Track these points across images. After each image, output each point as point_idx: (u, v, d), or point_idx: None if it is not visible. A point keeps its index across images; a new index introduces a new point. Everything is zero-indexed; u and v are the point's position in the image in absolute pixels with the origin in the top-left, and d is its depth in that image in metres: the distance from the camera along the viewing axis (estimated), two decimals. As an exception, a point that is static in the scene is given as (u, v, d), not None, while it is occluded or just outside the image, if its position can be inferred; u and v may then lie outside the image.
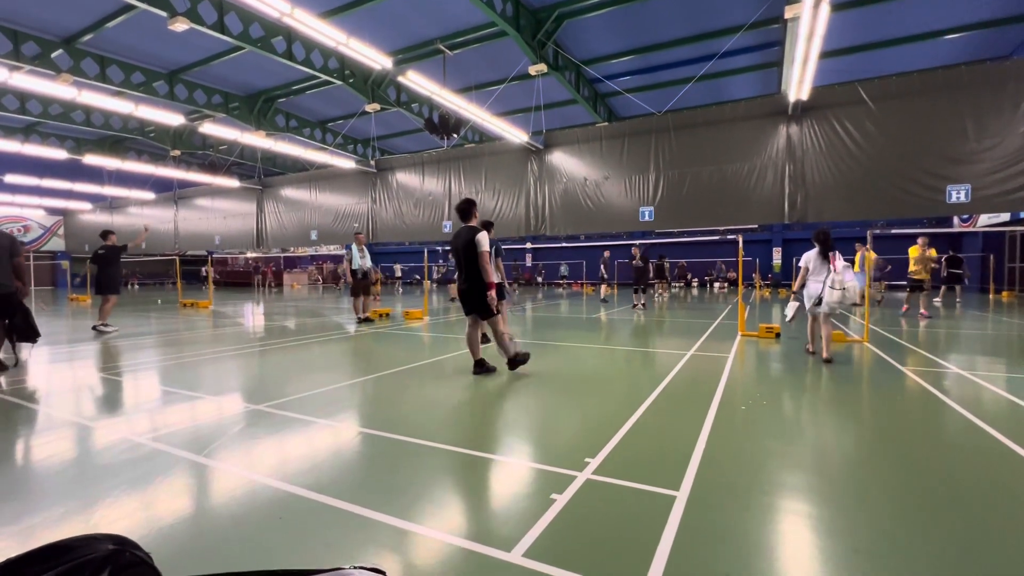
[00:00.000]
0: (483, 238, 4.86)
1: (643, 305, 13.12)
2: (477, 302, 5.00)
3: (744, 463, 2.78)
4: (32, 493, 2.44)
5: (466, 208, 5.12)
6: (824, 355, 5.74)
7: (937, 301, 14.60)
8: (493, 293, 4.94)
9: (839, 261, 5.81)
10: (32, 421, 3.63)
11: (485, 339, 7.13)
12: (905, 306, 11.17)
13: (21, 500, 2.36)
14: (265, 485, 2.49)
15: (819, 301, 5.84)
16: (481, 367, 5.14)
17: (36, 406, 4.02)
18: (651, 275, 13.89)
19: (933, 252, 10.70)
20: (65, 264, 25.55)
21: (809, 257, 6.10)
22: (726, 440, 3.13)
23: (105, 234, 9.24)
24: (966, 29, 12.46)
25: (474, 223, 5.14)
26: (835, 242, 6.02)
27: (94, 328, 8.46)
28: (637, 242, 13.82)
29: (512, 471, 2.69)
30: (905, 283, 11.50)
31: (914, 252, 10.77)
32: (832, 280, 5.69)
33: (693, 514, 2.18)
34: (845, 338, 7.41)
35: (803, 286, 6.14)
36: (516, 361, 5.13)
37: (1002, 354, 6.36)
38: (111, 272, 8.85)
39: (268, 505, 2.29)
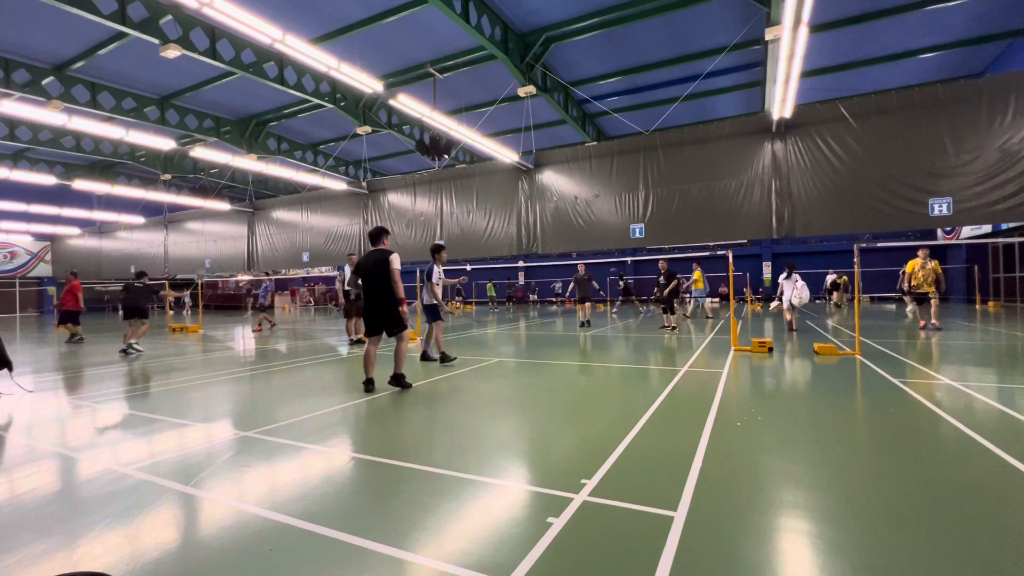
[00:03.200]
0: (396, 259, 5.20)
1: (673, 327, 11.32)
2: (388, 319, 5.24)
3: (741, 481, 2.76)
4: (11, 529, 2.36)
5: (377, 234, 5.48)
6: (792, 327, 10.78)
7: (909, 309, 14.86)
8: (405, 308, 5.31)
9: (799, 281, 10.45)
10: (13, 452, 3.53)
11: (446, 357, 7.17)
12: (922, 321, 10.67)
13: (0, 536, 2.28)
14: (254, 515, 2.43)
15: (791, 304, 10.47)
16: (394, 377, 5.32)
17: (17, 436, 3.91)
18: (670, 292, 11.39)
19: (936, 264, 10.53)
20: (51, 290, 25.22)
21: (782, 279, 10.79)
22: (723, 457, 3.11)
23: (139, 275, 10.09)
24: (940, 48, 12.90)
25: (384, 247, 5.43)
26: (826, 256, 6.42)
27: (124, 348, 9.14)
28: (663, 257, 12.81)
29: (508, 495, 2.65)
30: (904, 295, 11.21)
31: (915, 264, 10.59)
32: (795, 292, 10.39)
33: (692, 535, 2.16)
34: (837, 351, 7.45)
35: (782, 294, 10.75)
36: (399, 380, 5.30)
37: (991, 364, 6.42)
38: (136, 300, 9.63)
39: (257, 536, 2.23)
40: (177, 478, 2.92)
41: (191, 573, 1.96)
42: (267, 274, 16.04)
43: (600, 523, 2.29)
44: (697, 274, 13.99)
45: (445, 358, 7.15)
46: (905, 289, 10.93)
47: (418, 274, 7.48)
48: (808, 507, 2.43)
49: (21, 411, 4.79)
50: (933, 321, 10.50)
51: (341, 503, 2.58)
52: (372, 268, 5.22)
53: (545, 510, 2.41)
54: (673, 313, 11.45)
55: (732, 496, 2.56)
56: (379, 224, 13.23)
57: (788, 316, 10.77)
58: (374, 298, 5.24)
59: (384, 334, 5.38)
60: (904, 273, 10.91)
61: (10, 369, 5.48)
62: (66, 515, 2.50)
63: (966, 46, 12.72)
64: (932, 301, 10.59)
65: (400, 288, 5.20)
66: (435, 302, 7.22)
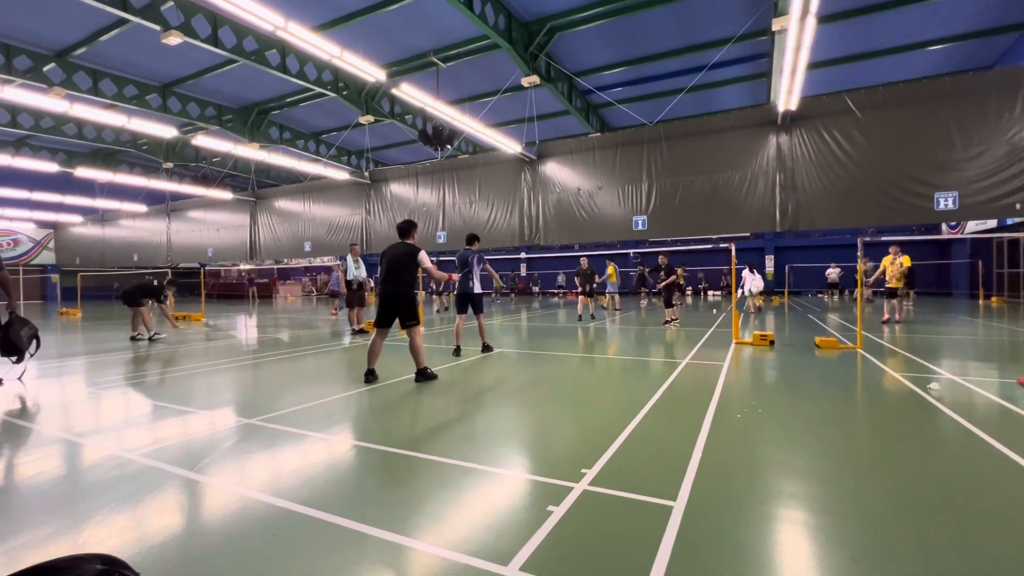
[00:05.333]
0: (425, 255, 5.28)
1: (674, 319, 11.13)
2: (402, 309, 5.23)
3: (741, 471, 2.78)
4: (19, 512, 2.39)
5: (407, 228, 5.45)
6: (752, 311, 14.46)
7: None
8: (455, 276, 5.45)
9: (756, 274, 14.22)
10: (20, 437, 3.57)
11: (487, 348, 7.38)
12: (886, 315, 11.14)
13: (7, 519, 2.31)
14: (258, 501, 2.45)
15: (750, 291, 13.81)
16: (420, 372, 5.28)
17: (24, 422, 3.95)
18: (665, 285, 11.32)
19: (907, 260, 10.84)
20: (55, 277, 25.29)
21: (744, 272, 14.40)
22: (722, 448, 3.13)
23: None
24: (949, 40, 12.74)
25: (412, 241, 5.43)
26: (827, 249, 6.52)
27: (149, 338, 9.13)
28: (661, 250, 13.45)
29: (509, 483, 2.67)
30: (883, 291, 11.81)
31: (887, 261, 11.03)
32: (752, 282, 14.06)
33: (690, 524, 2.17)
34: (838, 345, 7.45)
35: (743, 285, 14.46)
36: (425, 374, 5.27)
37: (993, 359, 6.41)
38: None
39: (261, 521, 2.25)
40: (181, 464, 2.95)
41: (196, 557, 1.98)
42: (337, 263, 16.42)
43: (600, 512, 2.31)
44: (611, 269, 14.65)
45: (487, 348, 7.40)
46: (874, 283, 11.86)
47: (456, 261, 7.41)
48: (807, 498, 2.45)
49: (27, 396, 4.82)
50: (889, 315, 10.96)
51: (343, 490, 2.60)
52: (397, 260, 5.21)
53: (545, 498, 2.43)
54: (670, 307, 11.24)
55: (731, 487, 2.57)
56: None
57: (752, 303, 14.66)
58: (392, 290, 5.20)
59: (391, 328, 5.37)
60: (879, 268, 11.40)
61: (20, 358, 5.46)
62: (71, 499, 2.53)
63: (976, 38, 12.56)
64: (899, 296, 11.05)
65: (440, 276, 5.35)
66: (480, 291, 7.32)
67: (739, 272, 14.05)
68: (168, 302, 9.71)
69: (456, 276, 5.52)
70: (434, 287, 17.91)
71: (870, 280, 12.15)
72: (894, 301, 11.15)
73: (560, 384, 5.23)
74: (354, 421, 3.95)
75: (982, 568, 1.84)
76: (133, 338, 9.14)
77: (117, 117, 11.49)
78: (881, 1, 10.91)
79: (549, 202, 11.39)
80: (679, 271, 17.24)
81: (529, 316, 15.01)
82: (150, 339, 9.05)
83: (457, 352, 7.15)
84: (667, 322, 11.10)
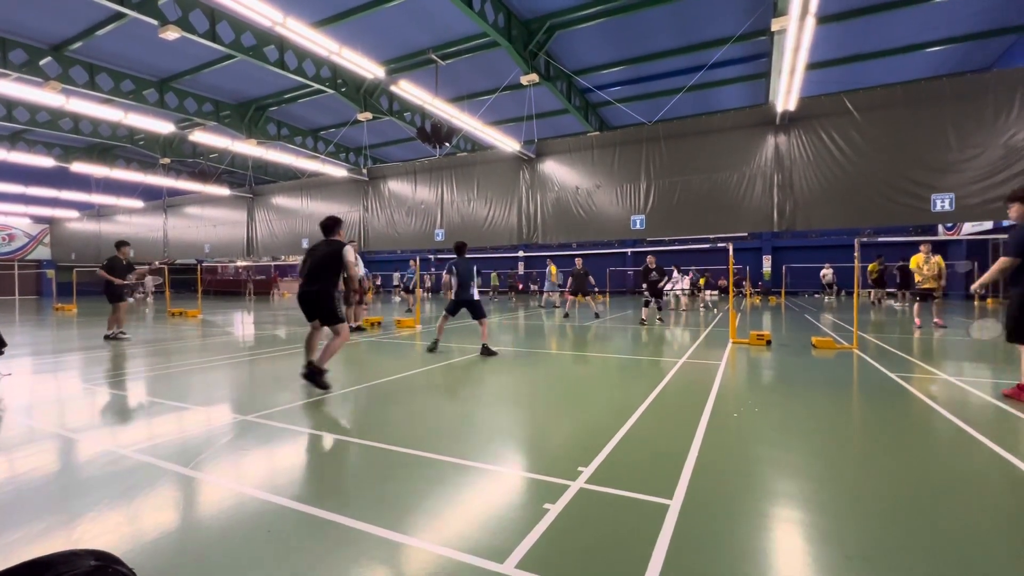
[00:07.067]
0: (350, 251, 4.95)
1: (659, 320, 11.52)
2: (322, 309, 4.98)
3: (737, 470, 2.78)
4: (12, 508, 2.38)
5: (331, 225, 5.19)
6: (684, 309, 16.34)
7: (898, 305, 14.85)
8: (370, 297, 5.13)
9: (683, 277, 16.87)
10: (12, 433, 3.55)
11: (487, 351, 7.15)
12: (918, 320, 10.07)
13: (1, 515, 2.30)
14: (253, 497, 2.45)
15: (680, 291, 15.93)
16: (311, 369, 4.84)
17: (16, 417, 3.93)
18: (662, 285, 11.47)
19: (940, 259, 10.04)
20: (51, 273, 25.17)
21: (675, 274, 15.57)
22: (719, 447, 3.13)
23: (119, 245, 9.25)
24: (947, 42, 12.77)
25: (339, 238, 5.16)
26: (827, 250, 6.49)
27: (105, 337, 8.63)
28: (650, 250, 13.82)
29: (505, 481, 2.67)
30: (913, 293, 10.70)
31: (919, 260, 10.15)
32: (679, 283, 16.57)
33: (686, 523, 2.18)
34: (835, 345, 7.47)
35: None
36: (314, 372, 4.77)
37: (987, 359, 6.44)
38: (107, 283, 8.95)
39: (256, 518, 2.25)
40: (176, 460, 2.94)
41: (190, 553, 1.98)
42: (413, 260, 16.16)
43: (596, 510, 2.31)
44: (552, 268, 15.71)
45: (488, 351, 6.95)
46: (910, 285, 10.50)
47: (456, 270, 7.17)
48: (802, 497, 2.45)
49: (20, 392, 4.80)
50: (936, 319, 10.10)
51: (339, 486, 2.60)
52: (320, 259, 4.96)
53: (542, 496, 2.43)
54: (661, 308, 11.49)
55: (727, 485, 2.58)
56: (381, 210, 13.20)
57: (685, 302, 17.45)
58: (315, 288, 4.96)
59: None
60: (908, 269, 10.53)
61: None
62: (66, 495, 2.51)
63: (974, 40, 12.58)
64: (936, 299, 10.19)
65: (355, 275, 5.05)
66: (478, 298, 7.27)
67: (668, 272, 13.24)
68: (122, 310, 8.83)
69: (370, 293, 5.31)
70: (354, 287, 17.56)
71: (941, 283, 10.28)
72: (932, 303, 10.20)
73: (556, 382, 5.23)
74: (351, 418, 3.94)
75: (976, 562, 1.85)
76: (107, 336, 8.65)
77: (114, 112, 11.43)
78: (880, 2, 10.92)
79: (547, 201, 11.39)
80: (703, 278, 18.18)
81: (527, 315, 15.00)
82: (113, 336, 8.56)
83: (433, 347, 7.09)
84: (658, 320, 11.30)
